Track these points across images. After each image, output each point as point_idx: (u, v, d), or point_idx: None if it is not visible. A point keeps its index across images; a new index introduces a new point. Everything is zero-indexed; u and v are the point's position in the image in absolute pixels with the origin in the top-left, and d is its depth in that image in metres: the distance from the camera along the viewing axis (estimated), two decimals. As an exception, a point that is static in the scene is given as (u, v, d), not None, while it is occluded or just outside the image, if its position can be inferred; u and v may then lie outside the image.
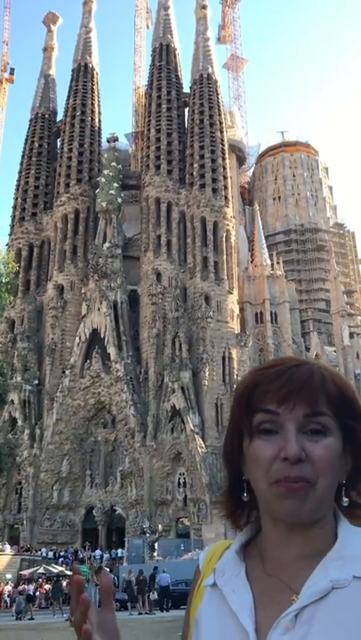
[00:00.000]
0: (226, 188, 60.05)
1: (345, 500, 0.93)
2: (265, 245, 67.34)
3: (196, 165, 59.83)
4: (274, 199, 77.54)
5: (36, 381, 55.88)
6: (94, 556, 44.86)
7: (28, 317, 58.76)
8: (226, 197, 59.54)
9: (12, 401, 53.24)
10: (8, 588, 32.75)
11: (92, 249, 58.97)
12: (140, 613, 22.76)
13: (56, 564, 40.46)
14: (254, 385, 0.94)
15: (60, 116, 68.56)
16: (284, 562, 0.92)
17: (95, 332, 55.07)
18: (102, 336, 54.52)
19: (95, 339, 54.95)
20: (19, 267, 61.49)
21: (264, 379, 0.93)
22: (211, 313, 53.88)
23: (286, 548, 0.92)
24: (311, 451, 0.88)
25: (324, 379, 0.92)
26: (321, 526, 0.91)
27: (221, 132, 61.80)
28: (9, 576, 36.24)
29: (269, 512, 0.91)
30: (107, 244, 58.93)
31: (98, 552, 46.40)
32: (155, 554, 39.69)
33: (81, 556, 44.76)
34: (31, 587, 30.44)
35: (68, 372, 54.43)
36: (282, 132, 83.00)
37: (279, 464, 0.88)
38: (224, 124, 63.11)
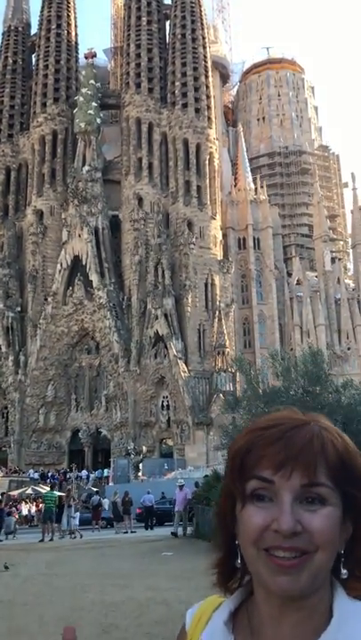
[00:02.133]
0: (209, 107, 58.13)
1: (344, 572, 0.85)
2: (249, 169, 66.07)
3: (177, 84, 57.57)
4: (258, 120, 75.36)
5: (19, 308, 55.82)
6: (81, 477, 46.46)
7: (8, 244, 57.90)
8: (209, 118, 57.74)
9: (-5, 328, 53.39)
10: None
11: (71, 172, 57.43)
12: (126, 532, 23.83)
13: (44, 484, 41.94)
14: (248, 448, 0.85)
15: (34, 29, 64.81)
16: None
17: (77, 259, 54.59)
18: (84, 263, 54.10)
19: (77, 266, 54.54)
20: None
21: (260, 441, 0.84)
22: (193, 239, 53.49)
23: (279, 625, 0.83)
24: (309, 522, 0.80)
25: (323, 443, 0.84)
26: (316, 600, 0.83)
27: (204, 47, 59.11)
28: (-3, 496, 37.45)
29: (262, 584, 0.83)
30: (86, 168, 57.36)
31: (84, 472, 48.04)
32: (139, 473, 41.25)
33: (68, 476, 46.28)
34: (23, 507, 31.61)
35: (50, 299, 54.33)
36: (267, 48, 79.65)
37: (271, 535, 0.80)
38: (207, 39, 60.27)
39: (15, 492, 37.16)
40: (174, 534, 19.17)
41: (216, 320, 51.58)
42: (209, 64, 59.39)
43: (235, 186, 63.91)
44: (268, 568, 0.79)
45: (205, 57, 58.76)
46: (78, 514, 23.99)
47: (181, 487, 20.87)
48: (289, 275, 64.25)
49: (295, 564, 0.78)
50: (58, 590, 10.22)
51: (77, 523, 23.31)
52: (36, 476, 46.12)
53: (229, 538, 0.88)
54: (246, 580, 0.89)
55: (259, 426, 0.88)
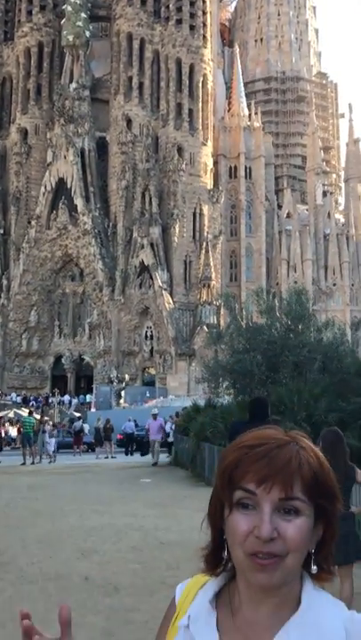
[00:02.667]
0: (205, 25, 55.05)
1: (314, 567, 1.03)
2: (243, 93, 63.40)
3: (172, -4, 54.16)
4: (256, 41, 71.68)
5: (1, 231, 54.56)
6: (63, 401, 46.93)
7: (-9, 163, 55.83)
8: (204, 37, 54.79)
9: (-23, 250, 52.30)
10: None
11: (57, 89, 54.76)
12: (107, 457, 24.27)
13: (26, 407, 42.33)
14: (237, 463, 1.00)
15: None
16: (253, 620, 1.02)
17: (62, 182, 52.88)
18: (69, 186, 52.46)
19: (61, 189, 52.90)
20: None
21: (246, 458, 0.99)
22: (183, 165, 51.86)
23: (257, 607, 1.01)
24: (284, 530, 0.96)
25: (301, 462, 0.99)
26: (288, 590, 1.00)
27: None
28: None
29: (244, 577, 1.01)
30: (74, 85, 54.68)
31: (67, 397, 48.55)
32: (121, 401, 41.72)
33: (51, 401, 46.72)
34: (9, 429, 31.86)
35: (34, 222, 53.02)
36: None
37: (253, 539, 0.96)
38: None
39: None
40: (155, 464, 19.29)
41: (203, 252, 50.88)
42: (206, -24, 55.73)
43: (228, 111, 61.53)
44: (250, 567, 0.97)
45: (203, -33, 55.06)
46: (54, 439, 24.12)
47: (155, 416, 20.44)
48: (279, 207, 63.12)
49: (271, 563, 0.95)
50: (39, 514, 10.44)
51: (53, 448, 23.46)
52: (19, 399, 46.52)
53: (218, 534, 1.04)
54: (229, 566, 1.05)
55: (246, 444, 1.02)
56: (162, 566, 6.61)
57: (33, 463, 21.41)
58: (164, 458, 20.45)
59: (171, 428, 21.86)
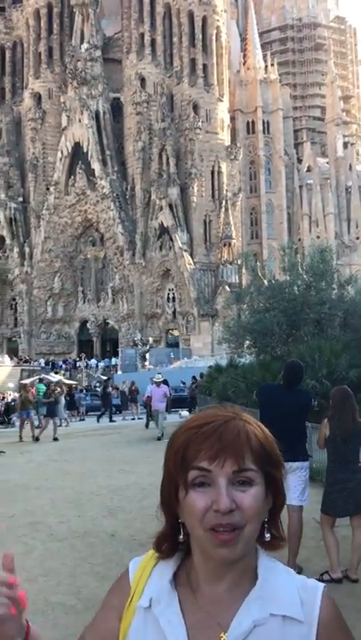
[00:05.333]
0: (216, -27, 53.25)
1: (267, 535, 1.06)
2: (259, 44, 61.56)
3: None
4: (270, -13, 69.21)
5: (21, 199, 54.64)
6: (90, 365, 47.73)
7: (7, 130, 55.58)
8: (216, -14, 53.07)
9: (-2, 219, 52.60)
10: (12, 395, 34.98)
11: (69, 51, 53.85)
12: (133, 419, 24.78)
13: (56, 372, 43.22)
14: (187, 443, 1.03)
15: None
16: (214, 597, 1.05)
17: (78, 146, 52.53)
18: (85, 150, 52.10)
19: (78, 153, 52.58)
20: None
21: (196, 438, 1.02)
22: (199, 123, 50.96)
23: (216, 582, 1.04)
24: (240, 500, 0.99)
25: (248, 435, 1.02)
26: (246, 561, 1.04)
27: None
28: (11, 385, 38.75)
29: (204, 554, 1.03)
30: (85, 45, 53.71)
31: (93, 361, 49.34)
32: (146, 363, 42.23)
33: (78, 365, 47.56)
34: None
35: (52, 188, 52.97)
36: None
37: (212, 514, 0.98)
38: None
39: (27, 381, 38.21)
40: (160, 439, 15.56)
41: (222, 210, 50.39)
42: None
43: (244, 64, 59.94)
44: (212, 543, 0.99)
45: None
46: (61, 405, 24.46)
47: (158, 383, 17.52)
48: (299, 161, 61.92)
49: (233, 537, 0.98)
50: (68, 475, 10.85)
51: (63, 413, 23.83)
52: (43, 363, 47.52)
53: (173, 518, 1.06)
54: (181, 547, 1.08)
55: (194, 424, 1.04)
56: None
57: (60, 426, 21.95)
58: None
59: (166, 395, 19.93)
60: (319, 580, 1.14)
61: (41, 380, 25.54)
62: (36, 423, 19.74)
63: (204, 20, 52.24)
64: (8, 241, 53.81)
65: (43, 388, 24.25)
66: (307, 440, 5.52)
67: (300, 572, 4.59)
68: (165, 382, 20.88)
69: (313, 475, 7.82)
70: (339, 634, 1.03)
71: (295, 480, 5.05)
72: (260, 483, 1.02)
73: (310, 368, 13.04)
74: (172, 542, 1.08)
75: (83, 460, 12.95)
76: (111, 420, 24.52)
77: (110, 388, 25.44)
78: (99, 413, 26.08)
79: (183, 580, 1.07)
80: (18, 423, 20.20)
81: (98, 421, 24.49)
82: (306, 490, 5.13)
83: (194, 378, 24.08)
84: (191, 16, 52.15)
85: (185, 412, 22.48)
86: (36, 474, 11.24)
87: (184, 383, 29.44)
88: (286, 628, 1.00)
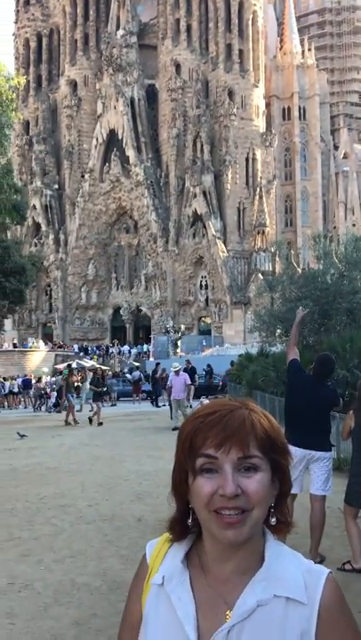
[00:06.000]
0: None
1: (273, 520, 1.10)
2: (296, 29, 60.53)
3: None
4: (309, -30, 67.87)
5: (56, 186, 55.13)
6: (123, 351, 48.13)
7: (43, 118, 56.03)
8: (253, -31, 52.27)
9: (34, 206, 53.17)
10: (46, 379, 35.55)
11: (104, 38, 53.87)
12: (164, 405, 24.91)
13: (90, 358, 43.77)
14: (194, 432, 1.07)
15: None
16: (223, 577, 1.09)
17: (113, 133, 52.68)
18: (120, 137, 52.22)
19: (113, 140, 52.74)
20: (27, 61, 57.14)
21: (203, 426, 1.06)
22: (235, 110, 50.50)
23: (224, 563, 1.08)
24: (246, 486, 1.03)
25: (253, 423, 1.06)
26: (253, 544, 1.08)
27: None
28: (45, 370, 39.42)
29: (212, 536, 1.06)
30: (120, 32, 53.64)
31: (126, 347, 49.72)
32: (178, 350, 42.39)
33: (111, 351, 48.02)
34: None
35: (87, 176, 53.30)
36: None
37: (218, 498, 1.02)
38: None
39: (61, 366, 38.78)
40: (176, 429, 14.24)
41: (257, 198, 49.98)
42: None
43: (280, 49, 59.06)
44: (218, 526, 1.02)
45: None
46: (85, 390, 24.87)
47: (178, 371, 16.22)
48: (335, 147, 60.91)
49: (239, 519, 1.02)
50: (98, 460, 11.05)
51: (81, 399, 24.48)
52: (76, 349, 48.12)
53: (183, 503, 1.10)
54: (193, 529, 1.12)
55: (201, 413, 1.09)
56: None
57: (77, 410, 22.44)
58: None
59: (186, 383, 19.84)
60: (340, 570, 1.18)
61: (69, 366, 25.94)
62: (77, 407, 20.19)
63: (241, 4, 51.57)
64: (44, 228, 54.43)
65: (65, 372, 24.70)
66: (330, 431, 5.52)
67: (322, 561, 4.64)
68: (193, 370, 20.93)
69: (340, 464, 7.83)
70: (340, 617, 1.06)
71: (318, 470, 5.05)
72: (266, 469, 1.06)
73: (341, 358, 12.93)
74: (184, 526, 1.12)
75: (113, 444, 13.13)
76: (156, 405, 24.56)
77: (159, 373, 25.50)
78: (151, 398, 26.08)
79: (195, 562, 1.12)
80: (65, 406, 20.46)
81: (153, 405, 24.72)
82: (329, 480, 5.12)
83: (232, 363, 23.89)
84: (228, 1, 51.52)
85: (205, 400, 22.46)
86: (67, 457, 11.48)
87: (207, 369, 29.06)
88: (289, 610, 1.04)
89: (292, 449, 4.74)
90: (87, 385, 24.49)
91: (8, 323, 46.64)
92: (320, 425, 5.08)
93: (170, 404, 17.80)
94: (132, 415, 21.15)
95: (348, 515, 4.95)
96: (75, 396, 20.09)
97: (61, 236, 53.95)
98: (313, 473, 5.05)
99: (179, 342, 42.92)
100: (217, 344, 44.58)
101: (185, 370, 18.20)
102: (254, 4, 52.33)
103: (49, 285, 55.24)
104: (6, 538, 5.92)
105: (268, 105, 55.44)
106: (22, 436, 14.72)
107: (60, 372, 33.77)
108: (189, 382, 16.81)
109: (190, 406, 17.31)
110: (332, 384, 5.81)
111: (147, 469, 9.74)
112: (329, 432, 5.43)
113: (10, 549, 5.52)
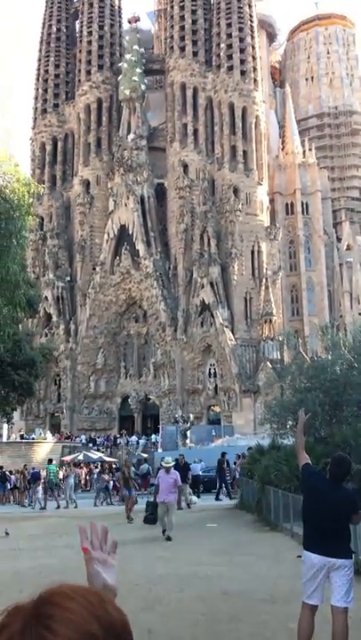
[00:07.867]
0: (255, 69, 56.60)
1: None
2: (296, 131, 64.35)
3: (223, 45, 56.13)
4: (306, 79, 72.92)
5: (68, 278, 56.79)
6: (131, 442, 47.66)
7: (57, 214, 58.63)
8: (255, 80, 56.28)
9: (46, 297, 54.54)
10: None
11: (116, 141, 57.34)
12: (220, 500, 23.97)
13: (97, 450, 43.36)
14: None
15: (77, -5, 64.13)
16: None
17: (123, 229, 54.92)
18: (130, 232, 54.38)
19: (123, 235, 54.90)
20: (42, 163, 60.50)
21: None
22: (240, 206, 52.81)
23: None
24: None
25: None
26: None
27: (250, 6, 57.25)
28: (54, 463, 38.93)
29: None
30: (131, 135, 57.14)
31: (134, 438, 49.21)
32: (187, 441, 41.96)
33: (119, 442, 47.62)
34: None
35: (98, 268, 55.03)
36: (315, 3, 76.49)
37: None
38: (253, -3, 58.33)
39: (68, 458, 38.45)
40: (168, 538, 13.17)
41: (263, 288, 51.22)
42: (255, 23, 57.61)
43: (282, 149, 62.53)
44: None
45: (251, 16, 57.01)
46: (69, 485, 24.80)
47: (168, 469, 14.02)
48: (338, 240, 63.00)
49: None
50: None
51: (71, 493, 24.51)
52: (84, 439, 47.72)
53: None
54: None
55: None
56: (223, 618, 6.71)
57: (58, 507, 22.57)
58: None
59: (201, 470, 19.08)
60: None
61: (50, 462, 25.97)
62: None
63: (244, 110, 55.14)
64: (55, 318, 55.54)
65: (53, 468, 24.80)
66: (350, 537, 5.25)
67: None
68: (186, 467, 19.69)
69: (359, 568, 7.28)
70: None
71: (339, 579, 4.76)
72: None
73: (355, 451, 13.05)
74: None
75: (121, 543, 12.62)
76: (217, 499, 23.20)
77: (225, 464, 24.34)
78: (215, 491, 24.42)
79: None
80: (125, 501, 18.92)
81: (216, 499, 23.38)
82: (351, 590, 4.78)
83: (239, 456, 23.59)
84: (232, 107, 55.16)
85: (195, 498, 21.80)
86: (74, 558, 11.24)
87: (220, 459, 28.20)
88: None
89: (311, 556, 4.85)
90: (71, 480, 24.51)
91: (16, 413, 46.70)
92: (339, 530, 4.87)
93: (148, 504, 16.32)
94: (140, 511, 20.48)
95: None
96: (133, 491, 18.96)
97: (72, 326, 54.94)
98: (334, 583, 4.79)
99: (188, 432, 42.61)
100: (227, 434, 44.17)
101: (176, 467, 15.80)
102: (257, 110, 55.95)
103: (58, 375, 55.59)
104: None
105: (271, 201, 57.98)
106: (7, 533, 14.42)
107: (68, 464, 33.52)
108: (180, 483, 14.82)
109: (191, 500, 16.60)
110: (350, 485, 5.76)
111: (157, 572, 9.56)
112: (349, 538, 5.14)
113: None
